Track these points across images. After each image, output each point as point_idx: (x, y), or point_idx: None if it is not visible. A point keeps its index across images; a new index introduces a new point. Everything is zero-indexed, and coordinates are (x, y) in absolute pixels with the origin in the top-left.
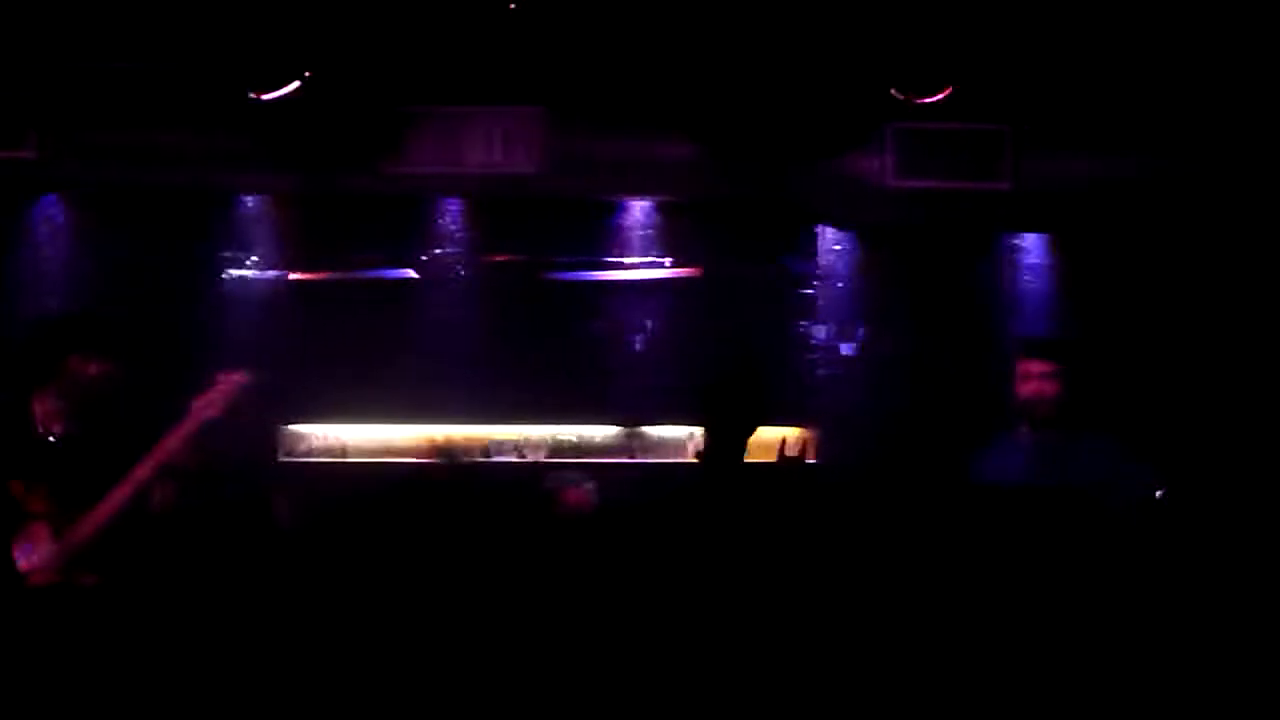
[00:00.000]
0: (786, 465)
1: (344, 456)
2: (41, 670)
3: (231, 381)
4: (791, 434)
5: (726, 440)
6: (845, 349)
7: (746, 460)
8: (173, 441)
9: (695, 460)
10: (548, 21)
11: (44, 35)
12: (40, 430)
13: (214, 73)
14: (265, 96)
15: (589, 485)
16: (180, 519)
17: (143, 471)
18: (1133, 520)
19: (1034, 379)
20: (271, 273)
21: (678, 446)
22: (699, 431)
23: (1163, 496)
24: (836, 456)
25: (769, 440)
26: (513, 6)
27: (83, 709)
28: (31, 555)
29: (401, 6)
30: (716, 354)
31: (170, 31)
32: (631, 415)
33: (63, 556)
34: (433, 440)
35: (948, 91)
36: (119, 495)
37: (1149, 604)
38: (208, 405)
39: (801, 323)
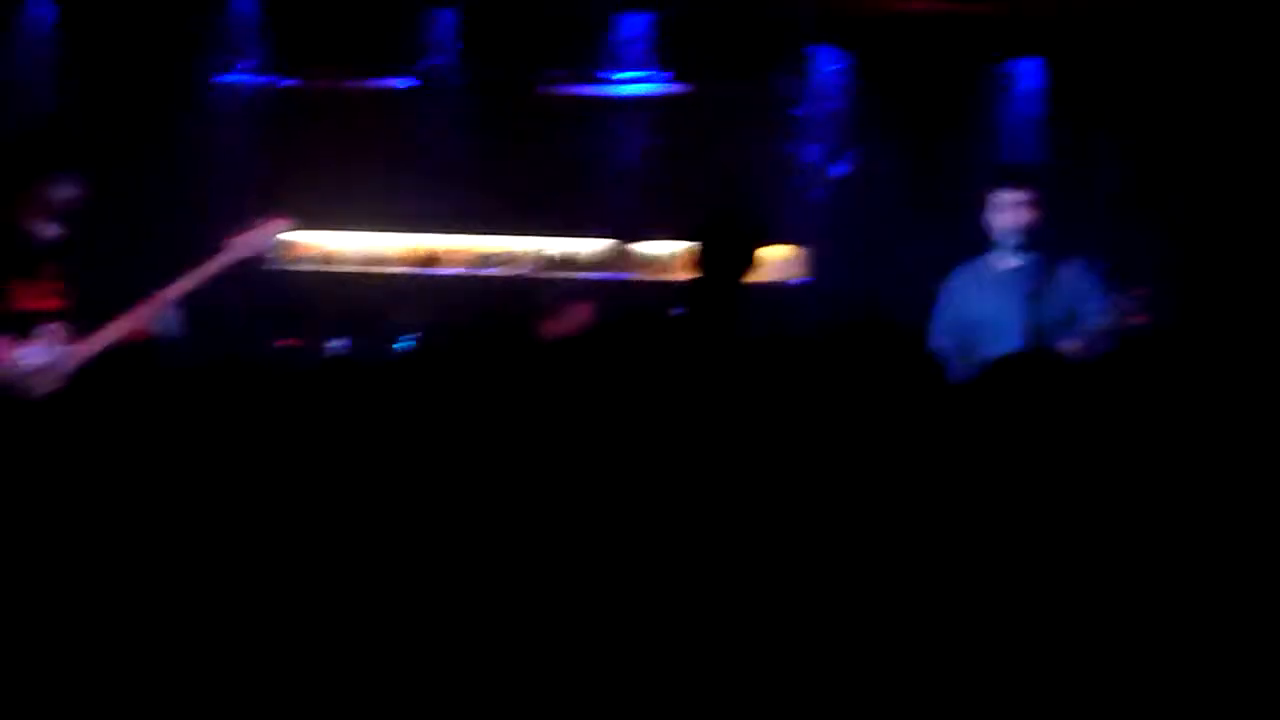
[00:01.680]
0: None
1: (328, 264)
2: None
3: (273, 226)
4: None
5: (718, 283)
6: (836, 170)
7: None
8: (206, 271)
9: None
10: None
11: None
12: (35, 233)
13: None
14: None
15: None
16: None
17: (171, 293)
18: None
19: (1009, 207)
20: (262, 78)
21: (666, 263)
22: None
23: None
24: (825, 277)
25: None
26: None
27: (74, 541)
28: (40, 355)
29: None
30: (708, 184)
31: None
32: (624, 232)
33: (75, 362)
34: (418, 251)
35: None
36: (143, 312)
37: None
38: (245, 245)
39: (792, 143)
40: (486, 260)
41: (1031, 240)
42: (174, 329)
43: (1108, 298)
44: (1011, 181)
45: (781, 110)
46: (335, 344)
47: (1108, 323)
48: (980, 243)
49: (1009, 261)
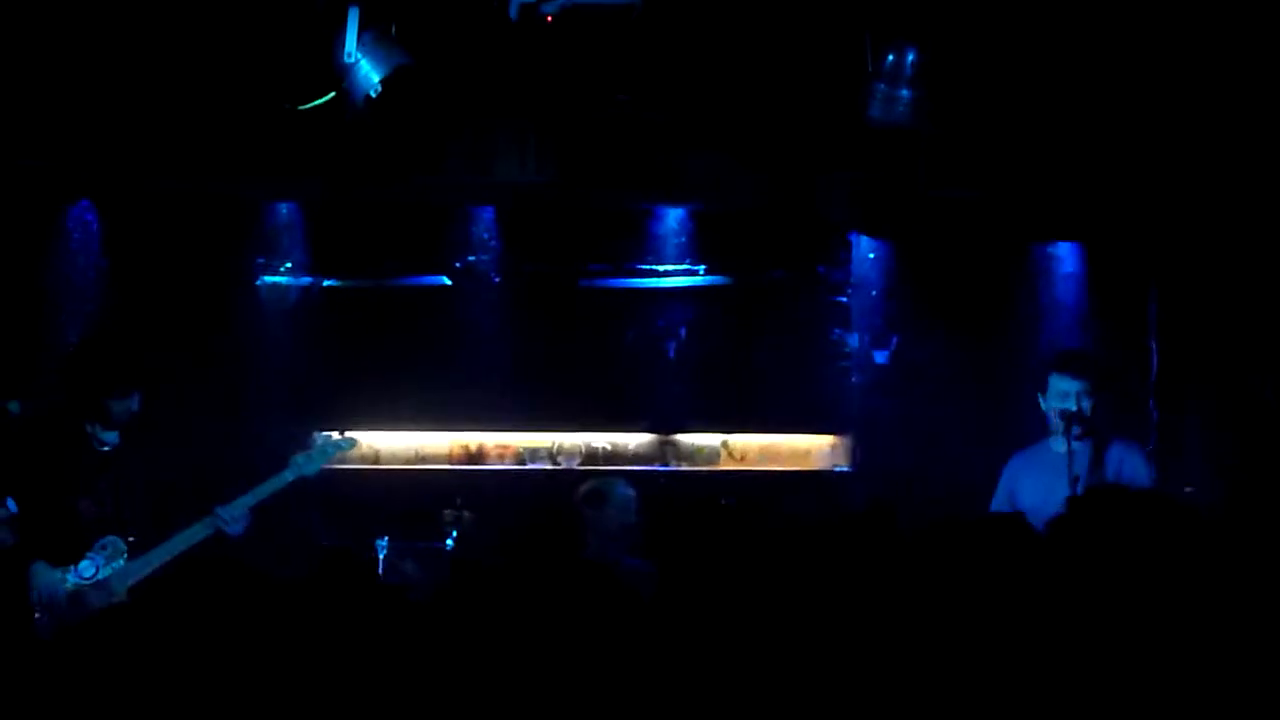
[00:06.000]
0: None
1: (377, 463)
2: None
3: (334, 443)
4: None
5: None
6: (878, 357)
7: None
8: (272, 489)
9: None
10: (583, 35)
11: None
12: (90, 441)
13: (251, 81)
14: (301, 107)
15: (630, 490)
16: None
17: (239, 507)
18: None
19: (1067, 396)
20: (305, 279)
21: (711, 453)
22: (731, 439)
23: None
24: (868, 465)
25: (799, 447)
26: (549, 20)
27: None
28: (97, 569)
29: (438, 22)
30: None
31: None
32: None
33: (131, 580)
34: (463, 447)
35: None
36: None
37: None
38: (308, 463)
39: (835, 331)
40: (532, 455)
41: (1085, 425)
42: (240, 529)
43: (1156, 480)
44: (1066, 369)
45: (822, 299)
46: (382, 543)
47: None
48: (1029, 427)
49: (1062, 446)
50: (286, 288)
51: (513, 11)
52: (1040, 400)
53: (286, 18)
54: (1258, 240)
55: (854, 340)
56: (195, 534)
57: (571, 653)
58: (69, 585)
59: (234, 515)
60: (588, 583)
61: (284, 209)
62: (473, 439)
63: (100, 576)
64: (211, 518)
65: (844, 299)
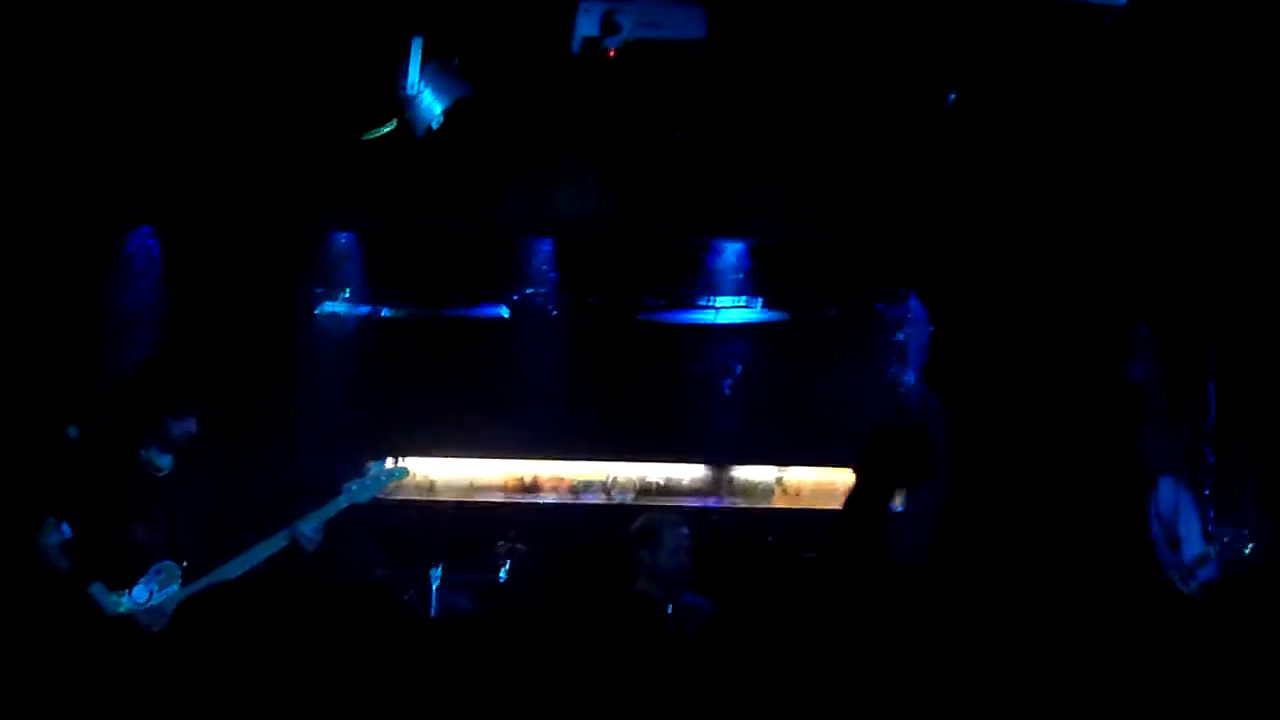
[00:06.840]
0: None
1: (432, 493)
2: None
3: (387, 471)
4: None
5: (875, 490)
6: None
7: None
8: (326, 515)
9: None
10: (645, 70)
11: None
12: (146, 466)
13: (314, 111)
14: (364, 137)
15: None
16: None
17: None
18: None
19: None
20: (364, 308)
21: (765, 490)
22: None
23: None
24: (924, 504)
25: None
26: (611, 55)
27: None
28: (151, 594)
29: (500, 55)
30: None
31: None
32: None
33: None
34: (518, 478)
35: None
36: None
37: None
38: (362, 490)
39: (891, 368)
40: (586, 487)
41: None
42: (316, 544)
43: (1208, 521)
44: None
45: (879, 336)
46: (435, 573)
47: (1210, 550)
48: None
49: None
50: (344, 316)
51: (575, 46)
52: None
53: (350, 49)
54: None
55: (910, 377)
56: (268, 547)
57: (609, 689)
58: (123, 610)
59: (311, 530)
60: (632, 620)
61: (343, 238)
62: (527, 470)
63: (154, 602)
64: (288, 530)
65: (900, 336)
